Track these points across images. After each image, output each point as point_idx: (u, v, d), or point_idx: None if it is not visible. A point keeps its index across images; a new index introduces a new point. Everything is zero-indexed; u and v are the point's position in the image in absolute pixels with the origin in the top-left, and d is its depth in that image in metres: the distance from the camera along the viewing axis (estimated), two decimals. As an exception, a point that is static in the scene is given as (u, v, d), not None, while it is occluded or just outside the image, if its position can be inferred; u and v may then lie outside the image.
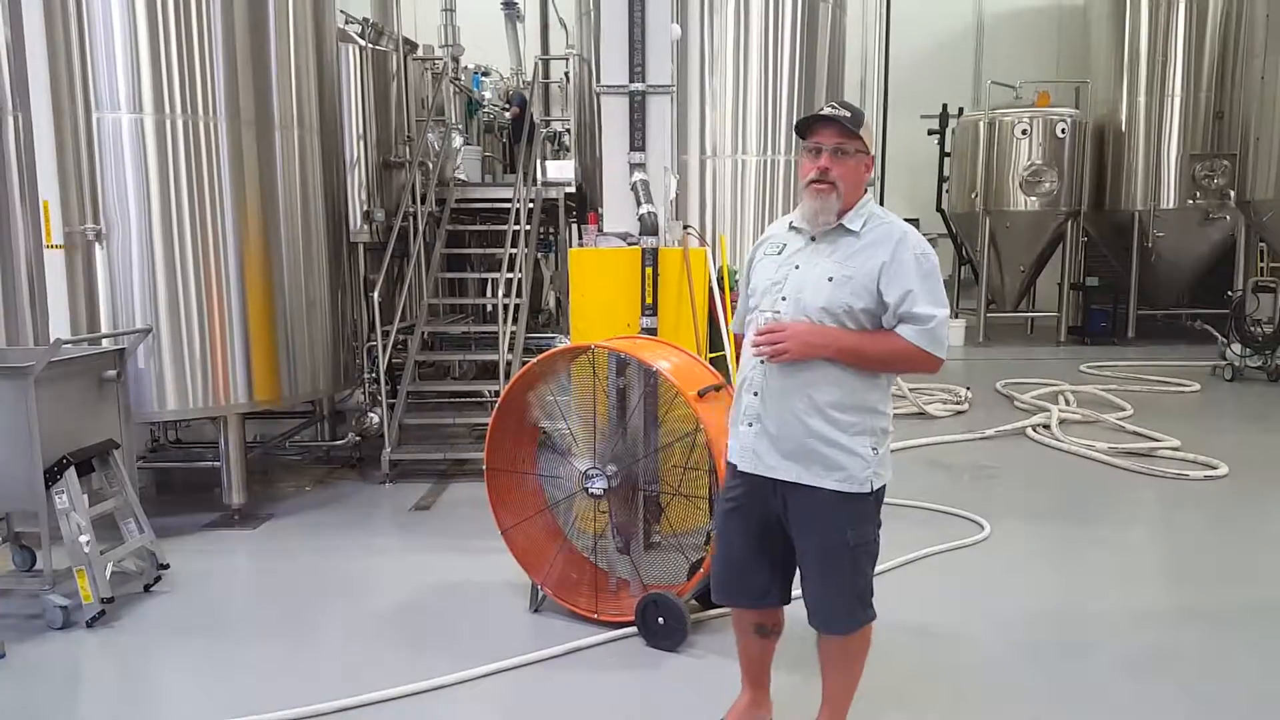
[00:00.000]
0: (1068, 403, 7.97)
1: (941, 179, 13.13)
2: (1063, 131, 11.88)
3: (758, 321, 2.43)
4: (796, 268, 2.42)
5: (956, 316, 12.99)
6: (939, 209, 13.23)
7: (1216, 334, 9.71)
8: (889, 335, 2.34)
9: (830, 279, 2.36)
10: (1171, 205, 11.73)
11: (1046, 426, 7.09)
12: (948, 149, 12.99)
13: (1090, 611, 3.87)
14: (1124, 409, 7.63)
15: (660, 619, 3.47)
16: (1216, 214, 11.24)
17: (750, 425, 2.46)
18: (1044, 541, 4.77)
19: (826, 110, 2.41)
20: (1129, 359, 10.40)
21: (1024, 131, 11.92)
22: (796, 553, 2.50)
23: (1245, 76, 10.20)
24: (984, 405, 8.04)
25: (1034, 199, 12.04)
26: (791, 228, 2.52)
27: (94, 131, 4.61)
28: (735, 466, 2.54)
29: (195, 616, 3.92)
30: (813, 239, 2.45)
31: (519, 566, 3.83)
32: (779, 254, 2.48)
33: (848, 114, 2.38)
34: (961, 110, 13.05)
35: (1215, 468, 5.88)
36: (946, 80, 13.86)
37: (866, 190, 2.46)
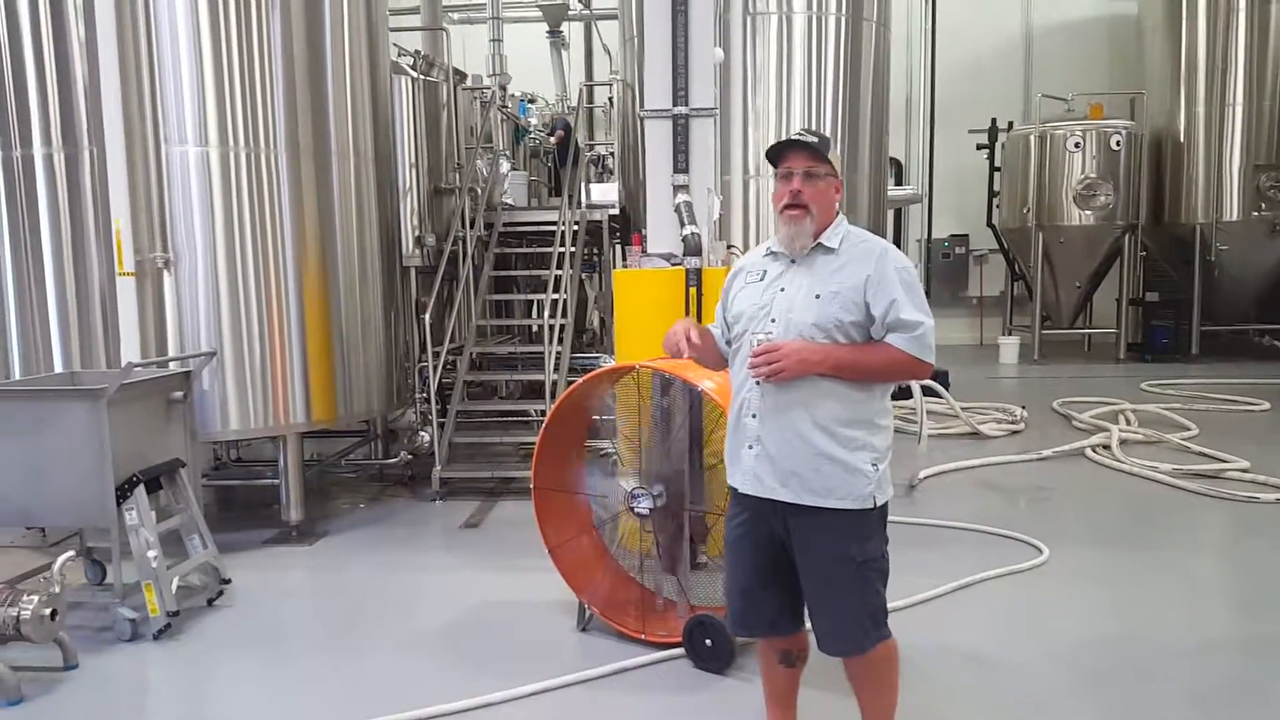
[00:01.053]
0: (1129, 422, 7.75)
1: (991, 194, 12.94)
2: (1117, 144, 11.63)
3: (751, 343, 2.44)
4: (782, 290, 2.46)
5: (1010, 334, 12.75)
6: (989, 224, 13.02)
7: (1285, 350, 9.38)
8: (881, 345, 2.38)
9: (818, 296, 2.40)
10: (1235, 218, 11.39)
11: (1107, 447, 6.90)
12: (998, 164, 12.81)
13: (1154, 640, 3.73)
14: (1189, 428, 7.39)
15: (707, 641, 3.46)
16: (1284, 226, 10.90)
17: (751, 448, 2.45)
18: (1105, 567, 4.63)
19: (795, 136, 2.49)
20: (1193, 376, 10.09)
21: (1077, 144, 11.69)
22: (801, 576, 2.46)
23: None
24: (1040, 425, 7.87)
25: (1089, 213, 11.78)
26: (769, 254, 2.57)
27: (163, 164, 4.84)
28: (737, 492, 2.53)
29: (255, 630, 4.05)
30: (793, 262, 2.49)
31: (566, 585, 3.86)
32: (761, 280, 2.52)
33: (815, 139, 2.45)
34: (1011, 124, 12.87)
35: (1286, 489, 5.67)
36: (995, 94, 13.68)
37: (839, 212, 2.53)
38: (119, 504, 3.93)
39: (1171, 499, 5.75)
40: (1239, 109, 11.40)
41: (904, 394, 6.72)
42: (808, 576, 2.45)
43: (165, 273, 4.87)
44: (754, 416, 2.44)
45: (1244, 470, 6.11)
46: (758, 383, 2.42)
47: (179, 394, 4.49)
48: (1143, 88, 12.48)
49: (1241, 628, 3.89)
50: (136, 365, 4.37)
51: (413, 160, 7.00)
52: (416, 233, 7.03)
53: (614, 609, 3.81)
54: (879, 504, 2.42)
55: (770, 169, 2.57)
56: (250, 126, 4.97)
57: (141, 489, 4.01)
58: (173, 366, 4.72)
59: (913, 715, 3.13)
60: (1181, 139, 11.84)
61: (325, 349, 5.34)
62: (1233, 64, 11.36)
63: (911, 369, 2.41)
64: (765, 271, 2.53)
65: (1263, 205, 10.85)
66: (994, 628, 3.88)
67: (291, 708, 3.30)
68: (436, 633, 3.96)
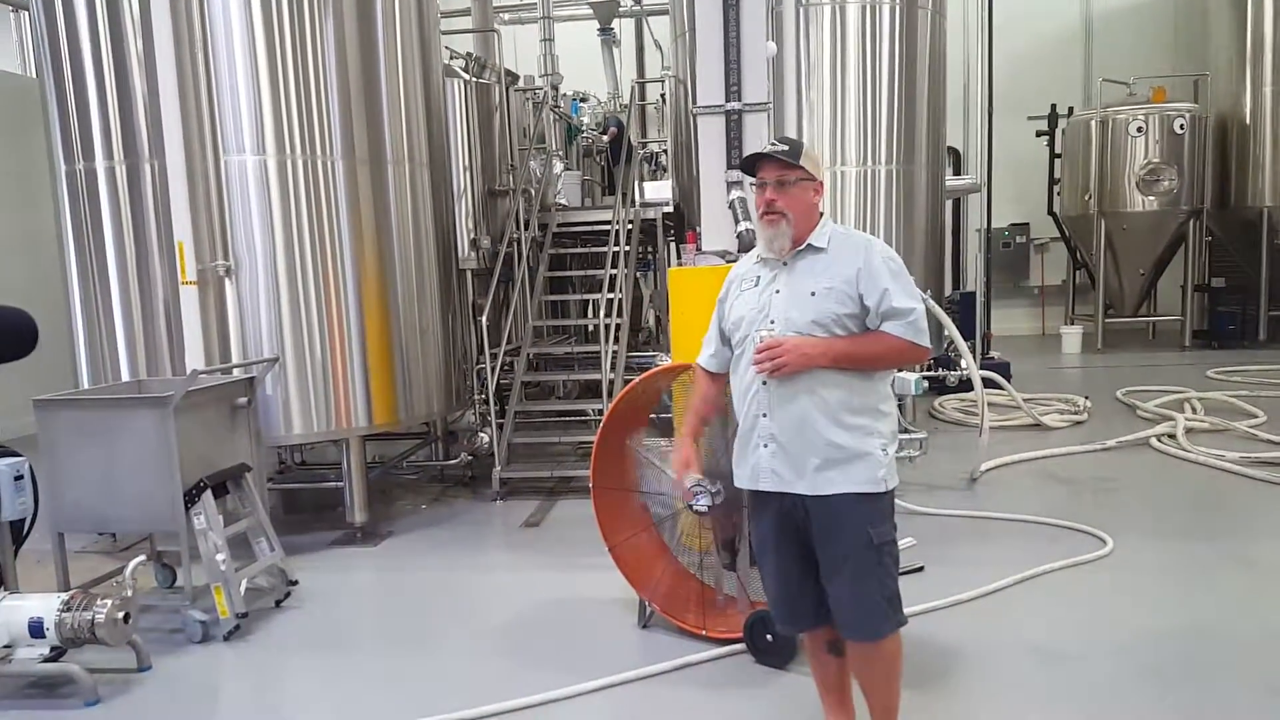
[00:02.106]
0: (1194, 410, 7.52)
1: (1052, 181, 12.63)
2: (1181, 128, 11.27)
3: (755, 342, 2.50)
4: (778, 292, 2.54)
5: (1072, 323, 12.44)
6: (1050, 212, 12.72)
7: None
8: (876, 334, 2.47)
9: (813, 293, 2.49)
10: (1305, 200, 10.96)
11: (1172, 436, 6.71)
12: (1058, 150, 12.50)
13: (1222, 633, 3.62)
14: (1257, 416, 7.14)
15: (768, 636, 3.45)
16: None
17: (766, 447, 2.52)
18: (1171, 558, 4.50)
19: (765, 149, 2.60)
20: (1260, 363, 9.72)
21: (1139, 129, 11.36)
22: (821, 563, 2.52)
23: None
24: (1104, 415, 7.67)
25: (1152, 198, 11.44)
26: (759, 261, 2.65)
27: (222, 173, 4.94)
28: (756, 495, 2.60)
29: (322, 630, 4.12)
30: (784, 265, 2.57)
31: (626, 582, 3.87)
32: (756, 286, 2.61)
33: (784, 148, 2.56)
34: (1071, 110, 12.55)
35: (1363, 478, 5.45)
36: (1054, 80, 13.37)
37: (822, 213, 2.61)
38: (187, 508, 4.02)
39: (1239, 488, 5.58)
40: (1307, 88, 10.97)
41: (966, 386, 6.60)
42: (829, 563, 2.51)
43: (226, 280, 4.97)
44: (765, 415, 2.51)
45: (1319, 458, 5.89)
46: (764, 382, 2.50)
47: (243, 399, 4.59)
48: (1206, 70, 12.07)
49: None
50: (201, 372, 4.48)
51: (466, 163, 7.07)
52: (472, 235, 7.10)
53: (674, 605, 3.81)
54: (890, 487, 2.50)
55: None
56: (306, 134, 5.06)
57: (209, 494, 4.11)
58: (236, 373, 4.82)
59: (978, 708, 3.09)
60: (1248, 121, 11.44)
61: (385, 353, 5.42)
62: (1301, 43, 10.94)
63: (908, 354, 2.51)
64: (759, 278, 2.62)
65: (1332, 186, 10.42)
66: (1058, 620, 3.81)
67: (360, 706, 3.36)
68: (500, 631, 3.99)
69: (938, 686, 3.28)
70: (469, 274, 7.05)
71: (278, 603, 4.38)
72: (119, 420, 4.05)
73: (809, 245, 2.54)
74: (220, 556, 4.04)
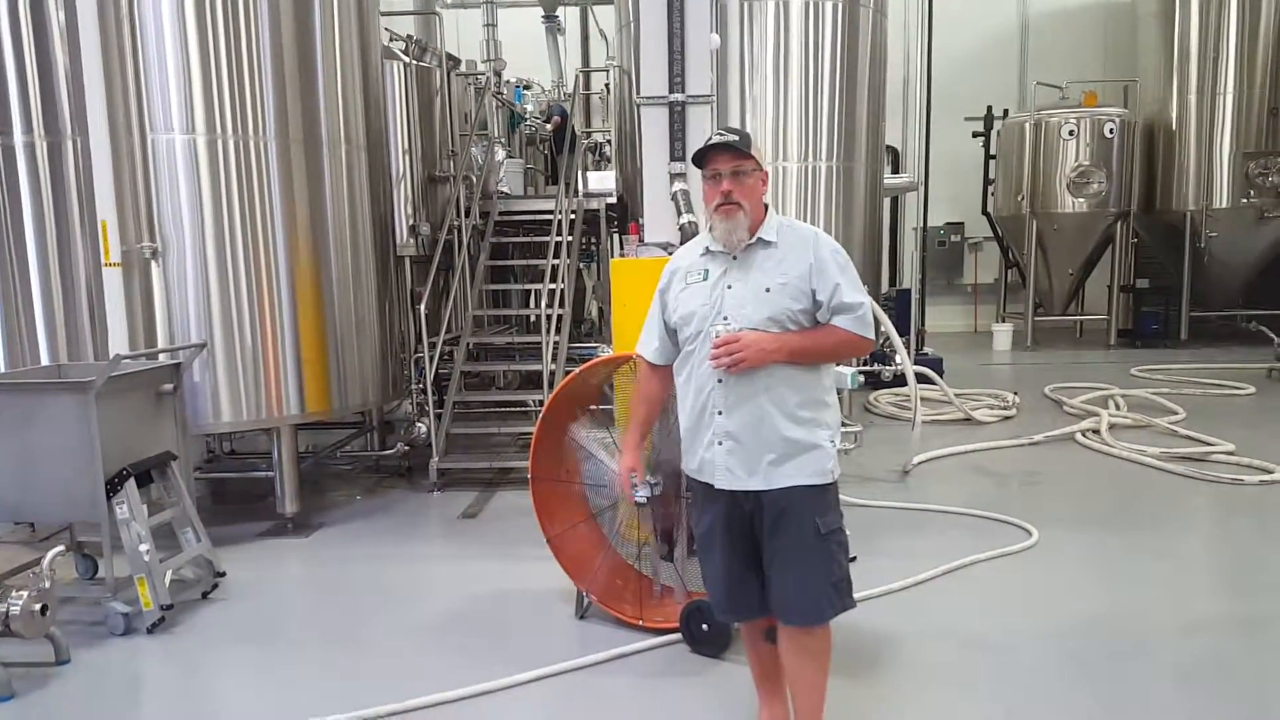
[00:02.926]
0: (1118, 407, 7.81)
1: (987, 182, 12.95)
2: (1111, 131, 11.65)
3: (711, 337, 2.48)
4: (729, 288, 2.52)
5: (1003, 321, 12.80)
6: (984, 212, 13.05)
7: (1272, 335, 9.44)
8: (828, 328, 2.50)
9: (768, 289, 2.48)
10: (1225, 204, 11.44)
11: (1096, 431, 6.95)
12: (993, 151, 12.82)
13: (1140, 621, 3.78)
14: (1176, 413, 7.44)
15: (704, 625, 3.49)
16: (1272, 213, 10.95)
17: (721, 444, 2.51)
18: (1093, 548, 4.67)
19: (716, 139, 2.56)
20: (1182, 362, 10.14)
21: (1071, 132, 11.71)
22: (766, 553, 2.53)
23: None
24: (1032, 410, 7.91)
25: (1082, 200, 11.82)
26: (707, 253, 2.61)
27: (149, 152, 4.77)
28: (710, 486, 2.57)
29: (251, 623, 4.03)
30: (733, 258, 2.55)
31: (564, 574, 3.86)
32: (705, 280, 2.57)
33: (736, 138, 2.53)
34: (1006, 112, 12.87)
35: (1271, 472, 5.72)
36: (991, 82, 13.69)
37: (766, 205, 2.60)
38: (109, 498, 3.90)
39: (1159, 482, 5.81)
40: (1229, 97, 11.43)
41: (899, 381, 6.74)
42: (777, 555, 2.52)
43: (153, 263, 4.81)
44: (720, 413, 2.50)
45: (1229, 453, 6.18)
46: (720, 380, 2.49)
47: (169, 386, 4.45)
48: (1136, 76, 12.50)
49: (1226, 607, 3.93)
50: (125, 357, 4.33)
51: (406, 147, 6.95)
52: (411, 221, 6.98)
53: (612, 596, 3.82)
54: (836, 477, 2.54)
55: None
56: (238, 114, 4.91)
57: (132, 482, 3.98)
58: (162, 358, 4.67)
59: (903, 695, 3.18)
60: (1174, 126, 11.88)
61: (318, 339, 5.31)
62: (1224, 52, 11.39)
63: (858, 346, 2.56)
64: (707, 271, 2.58)
65: (1251, 192, 10.90)
66: (984, 609, 3.93)
67: (290, 700, 3.28)
68: (436, 623, 3.95)
69: (867, 673, 3.35)
70: (407, 261, 6.93)
71: (204, 594, 4.28)
72: (37, 405, 3.90)
73: (759, 239, 2.53)
74: (144, 547, 3.91)
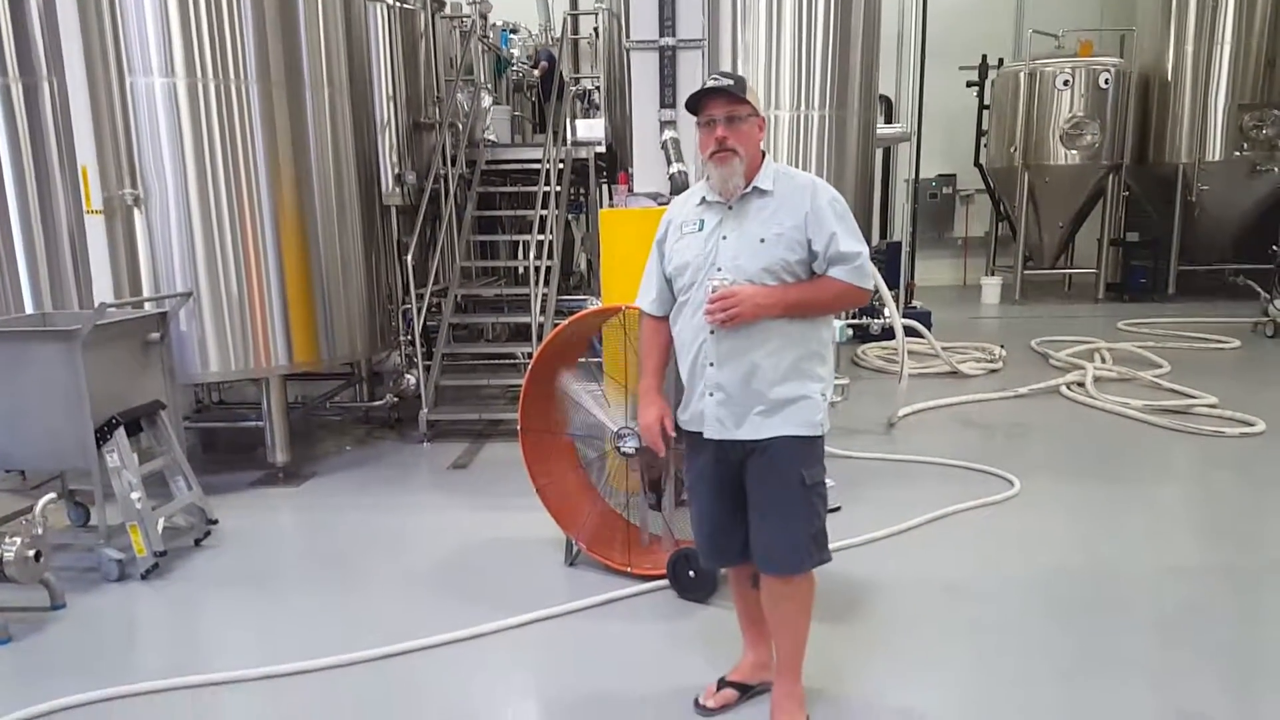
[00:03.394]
0: (1103, 360, 7.87)
1: (980, 133, 12.83)
2: (1105, 82, 11.52)
3: (706, 290, 2.45)
4: (724, 238, 2.49)
5: (992, 274, 12.79)
6: (976, 164, 12.95)
7: (1259, 290, 9.48)
8: (824, 280, 2.47)
9: (763, 240, 2.45)
10: (1217, 157, 11.38)
11: (1081, 384, 7.02)
12: (987, 102, 12.67)
13: (1121, 569, 3.86)
14: (1161, 366, 7.51)
15: (691, 572, 3.54)
16: (1264, 166, 10.90)
17: (712, 395, 2.51)
18: (1075, 499, 4.75)
19: (711, 83, 2.48)
20: (1169, 315, 10.19)
21: (1065, 82, 11.57)
22: (751, 502, 2.56)
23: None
24: (1018, 364, 7.96)
25: (1074, 152, 11.73)
26: (703, 203, 2.56)
27: (128, 96, 4.67)
28: (699, 436, 2.58)
29: (244, 569, 4.08)
30: (729, 208, 2.51)
31: (554, 522, 3.91)
32: (700, 230, 2.53)
33: (731, 82, 2.47)
34: (1001, 61, 12.70)
35: (1252, 425, 5.80)
36: (987, 30, 13.47)
37: (764, 152, 2.56)
38: (99, 446, 3.91)
39: (1142, 434, 5.89)
40: (1226, 48, 11.27)
41: (888, 335, 6.76)
42: (760, 502, 2.55)
43: (135, 210, 4.75)
44: (712, 365, 2.49)
45: (1212, 406, 6.25)
46: (711, 331, 2.47)
47: (155, 335, 4.43)
48: (1133, 25, 12.32)
49: (1203, 556, 4.02)
50: (110, 306, 4.30)
51: (390, 93, 6.81)
52: (396, 170, 6.87)
53: (601, 544, 3.87)
54: (824, 431, 2.55)
55: (697, 115, 2.52)
56: (218, 56, 4.81)
57: (121, 431, 3.99)
58: (148, 307, 4.64)
59: (882, 640, 3.25)
60: (1169, 78, 11.74)
61: (305, 289, 5.27)
62: (1222, 1, 11.22)
63: (855, 297, 2.53)
64: (702, 221, 2.54)
65: (1245, 145, 10.84)
66: (965, 557, 4.00)
67: (283, 644, 3.33)
68: (426, 570, 4.00)
69: (847, 619, 3.42)
70: (393, 211, 6.85)
71: (197, 542, 4.31)
72: (23, 354, 3.88)
73: (755, 188, 2.49)
74: (135, 495, 3.94)
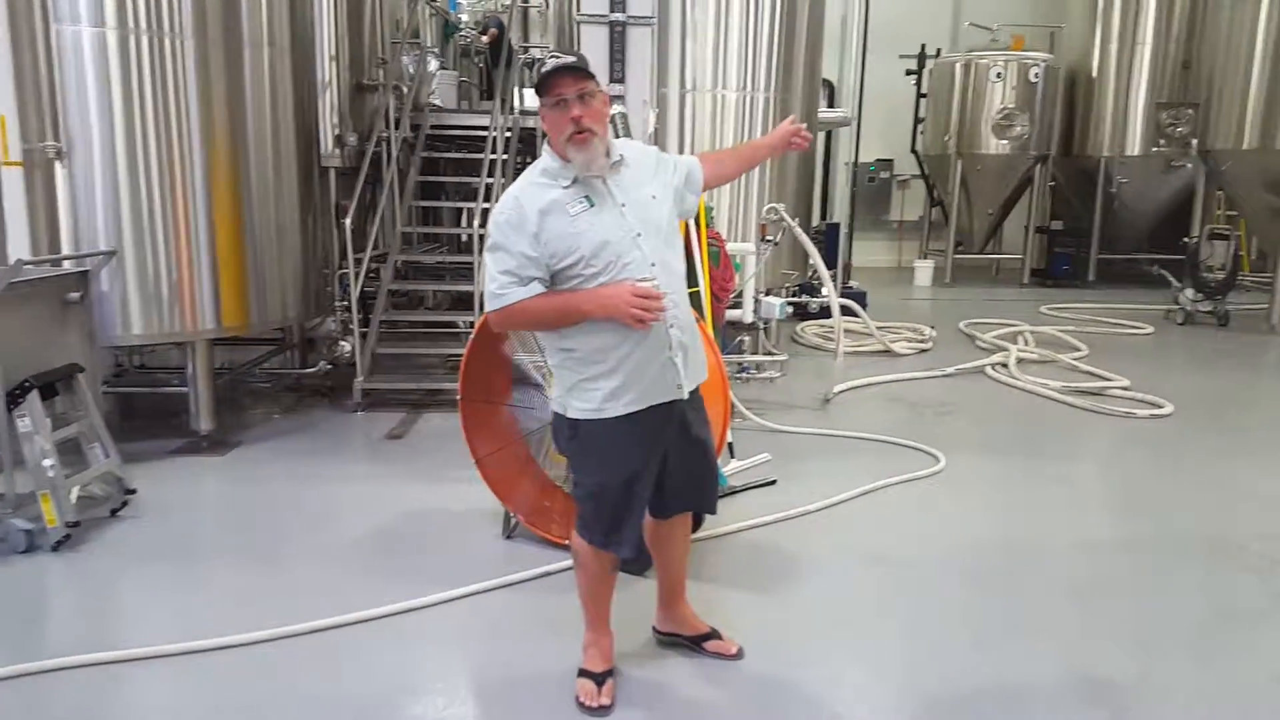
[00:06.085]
0: (1026, 343, 8.17)
1: (917, 120, 13.09)
2: (1035, 76, 11.88)
3: (632, 265, 2.44)
4: (623, 205, 2.51)
5: (925, 258, 13.12)
6: (913, 150, 13.23)
7: (1172, 279, 9.94)
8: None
9: (655, 197, 2.59)
10: (1136, 152, 11.86)
11: (1004, 365, 7.28)
12: (924, 90, 12.93)
13: (1036, 542, 4.05)
14: (1080, 349, 7.83)
15: (629, 545, 3.57)
16: (1178, 162, 11.39)
17: (676, 356, 2.56)
18: (996, 474, 4.96)
19: (555, 62, 2.47)
20: (1089, 301, 10.62)
21: (998, 75, 11.89)
22: (680, 459, 2.68)
23: (1211, 27, 10.23)
24: (947, 344, 8.21)
25: (1005, 143, 12.09)
26: (574, 183, 2.48)
27: (53, 45, 4.44)
28: (625, 424, 2.53)
29: (164, 541, 3.95)
30: (602, 181, 2.52)
31: (492, 495, 3.90)
32: (592, 207, 2.47)
33: (577, 59, 2.50)
34: (939, 52, 12.96)
35: (1161, 407, 6.11)
36: (926, 21, 13.70)
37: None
38: (10, 410, 3.74)
39: (1059, 414, 6.15)
40: (1147, 49, 11.73)
41: (826, 313, 6.90)
42: (688, 453, 2.69)
43: (57, 164, 4.53)
44: (671, 327, 2.53)
45: (1125, 388, 6.57)
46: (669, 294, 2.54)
47: (75, 295, 4.25)
48: (1063, 22, 12.70)
49: (1114, 529, 4.24)
50: (27, 263, 4.11)
51: (333, 53, 6.61)
52: (336, 131, 6.69)
53: (539, 517, 3.88)
54: None
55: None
56: (152, 7, 4.59)
57: (35, 394, 3.82)
58: (67, 265, 4.44)
59: (814, 609, 3.36)
60: (1094, 74, 12.16)
61: (236, 251, 5.10)
62: (1145, 3, 11.65)
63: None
64: (588, 198, 2.47)
65: (1161, 141, 11.30)
66: (893, 530, 4.14)
67: (204, 619, 3.23)
68: (358, 543, 3.94)
69: (779, 590, 3.52)
70: (332, 173, 6.67)
71: (113, 511, 4.16)
72: (-71, 312, 3.68)
73: (622, 157, 2.57)
74: (48, 462, 3.78)
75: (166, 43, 4.67)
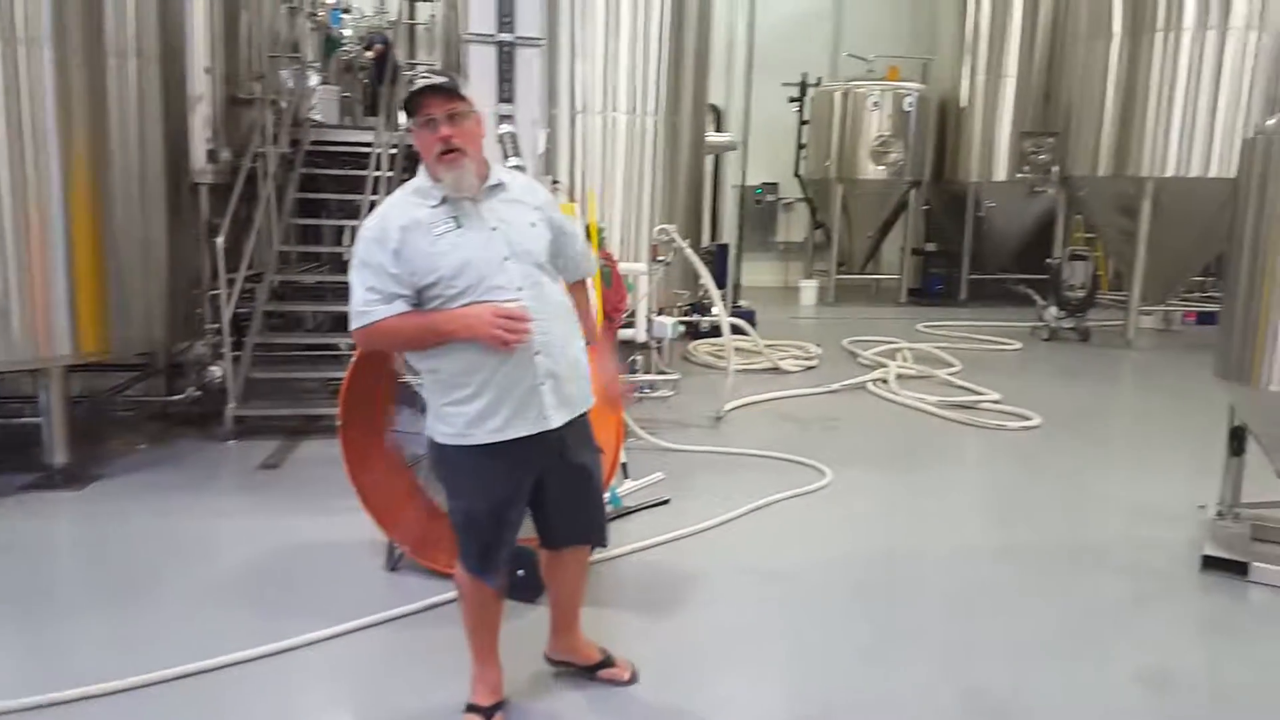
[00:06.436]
0: (905, 359, 8.51)
1: (800, 146, 13.53)
2: (909, 105, 12.48)
3: (497, 289, 2.40)
4: (494, 228, 2.45)
5: (810, 278, 13.55)
6: (796, 174, 13.65)
7: (1036, 297, 10.58)
8: (575, 289, 2.74)
9: (533, 224, 2.54)
10: (1003, 178, 12.59)
11: (885, 381, 7.56)
12: (806, 117, 13.38)
13: (918, 551, 4.21)
14: (954, 365, 8.21)
15: (519, 571, 3.48)
16: (1041, 187, 12.14)
17: (543, 385, 2.47)
18: (879, 487, 5.13)
19: (423, 82, 2.44)
20: (961, 319, 11.14)
21: (875, 104, 12.44)
22: (561, 489, 2.63)
23: (1070, 61, 10.99)
24: (831, 361, 8.46)
25: (882, 168, 12.63)
26: (442, 203, 2.44)
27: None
28: (512, 444, 2.47)
29: (11, 583, 3.64)
30: (473, 201, 2.46)
31: (375, 525, 3.75)
32: (459, 228, 2.42)
33: (447, 79, 2.48)
34: (820, 80, 13.45)
35: (1030, 419, 6.46)
36: (807, 50, 14.18)
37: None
38: None
39: (937, 427, 6.44)
40: (1011, 80, 12.50)
41: (716, 332, 7.01)
42: (569, 479, 2.62)
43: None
44: (540, 353, 2.46)
45: (996, 402, 6.93)
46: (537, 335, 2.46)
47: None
48: (934, 54, 13.41)
49: (990, 538, 4.45)
50: None
51: (207, 65, 6.30)
52: (210, 145, 6.36)
53: (426, 547, 3.75)
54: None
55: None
56: (6, 12, 4.29)
57: None
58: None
59: (706, 629, 3.38)
60: (963, 104, 12.88)
61: (96, 271, 4.78)
62: (1009, 38, 12.43)
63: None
64: (455, 219, 2.42)
65: (1025, 168, 12.04)
66: (781, 544, 4.23)
67: (59, 667, 2.99)
68: (231, 580, 3.73)
69: (668, 608, 3.54)
70: (204, 189, 6.33)
71: (-45, 554, 3.81)
72: None
73: (500, 181, 2.51)
74: (-124, 504, 3.42)
75: (21, 50, 4.35)
